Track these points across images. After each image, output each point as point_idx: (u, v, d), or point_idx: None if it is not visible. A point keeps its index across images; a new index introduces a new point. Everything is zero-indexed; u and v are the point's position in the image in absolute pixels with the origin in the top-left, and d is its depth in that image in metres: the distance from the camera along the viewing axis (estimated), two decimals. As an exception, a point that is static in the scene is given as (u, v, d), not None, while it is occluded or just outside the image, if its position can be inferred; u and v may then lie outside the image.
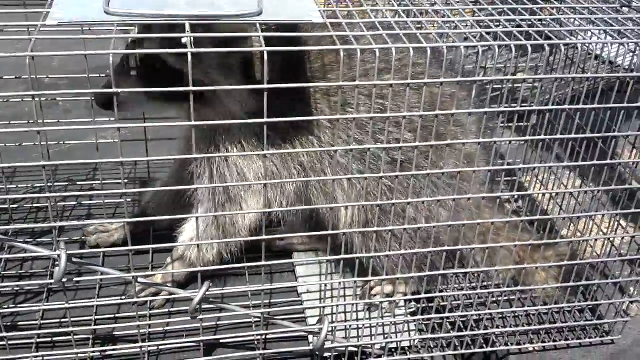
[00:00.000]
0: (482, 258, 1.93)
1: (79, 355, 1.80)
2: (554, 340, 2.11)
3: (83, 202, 2.56)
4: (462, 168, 1.70)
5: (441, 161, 1.86)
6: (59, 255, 1.52)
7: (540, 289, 2.08)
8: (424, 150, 1.76)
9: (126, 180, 1.50)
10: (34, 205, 2.53)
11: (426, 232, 1.84)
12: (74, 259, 1.59)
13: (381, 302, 2.10)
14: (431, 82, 1.48)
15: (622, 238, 2.03)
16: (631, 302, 2.12)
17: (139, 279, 1.67)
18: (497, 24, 1.64)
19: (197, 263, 2.01)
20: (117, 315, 2.07)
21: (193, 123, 1.41)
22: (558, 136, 1.79)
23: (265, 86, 1.37)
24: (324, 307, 1.90)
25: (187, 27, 1.37)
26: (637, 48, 1.71)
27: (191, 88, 1.35)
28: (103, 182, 2.37)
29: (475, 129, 1.90)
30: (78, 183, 2.62)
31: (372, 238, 1.82)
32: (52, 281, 1.53)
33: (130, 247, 1.57)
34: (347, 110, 1.89)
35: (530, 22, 1.66)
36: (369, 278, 1.86)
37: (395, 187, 1.73)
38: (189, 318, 1.79)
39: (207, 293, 1.67)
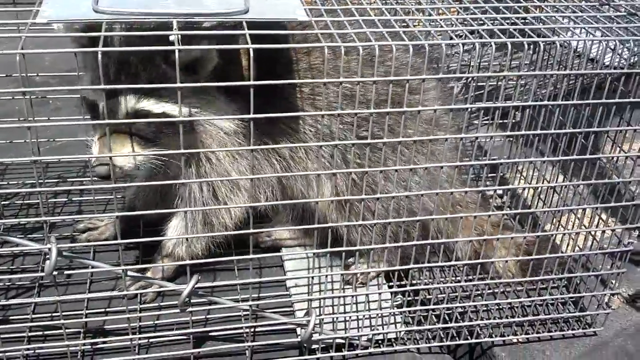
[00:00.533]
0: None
1: (71, 347, 1.83)
2: (537, 332, 2.15)
3: (73, 199, 2.59)
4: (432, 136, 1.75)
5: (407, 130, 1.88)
6: (49, 249, 1.54)
7: (500, 261, 2.13)
8: (390, 124, 1.78)
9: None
10: (25, 202, 2.56)
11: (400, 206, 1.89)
12: (64, 253, 1.62)
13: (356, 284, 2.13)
14: (413, 79, 1.52)
15: (603, 232, 2.07)
16: (612, 295, 2.16)
17: (129, 272, 1.69)
18: (481, 22, 1.68)
19: (185, 258, 2.05)
20: (107, 309, 2.09)
21: (181, 118, 1.44)
22: (538, 131, 1.83)
23: (251, 83, 1.40)
24: (311, 300, 1.93)
25: (175, 26, 1.40)
26: (617, 46, 1.75)
27: (178, 85, 1.38)
28: (93, 178, 2.41)
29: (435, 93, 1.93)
30: (68, 180, 2.65)
31: (349, 213, 1.87)
32: (43, 274, 1.56)
33: (119, 241, 1.60)
34: (316, 99, 1.94)
35: (512, 21, 1.70)
36: (355, 271, 1.90)
37: (365, 163, 1.75)
38: (178, 311, 1.82)
39: (196, 286, 1.70)
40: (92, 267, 1.71)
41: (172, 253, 2.16)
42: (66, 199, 2.57)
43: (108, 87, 1.45)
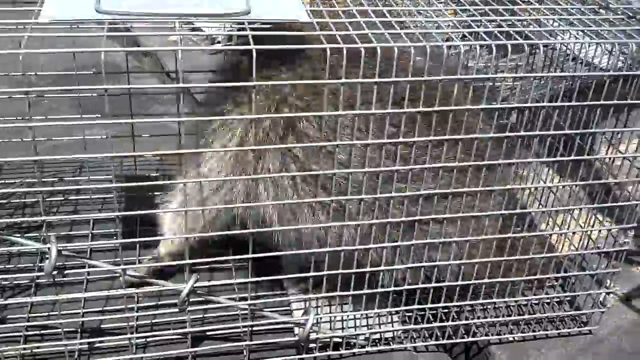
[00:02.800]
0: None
1: (68, 347, 1.83)
2: (533, 331, 2.16)
3: (70, 199, 2.58)
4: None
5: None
6: (49, 248, 1.54)
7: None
8: None
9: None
10: (21, 200, 2.55)
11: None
12: (63, 252, 1.62)
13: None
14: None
15: (599, 232, 2.08)
16: (607, 294, 2.18)
17: (128, 271, 1.70)
18: (479, 24, 1.69)
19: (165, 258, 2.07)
20: (104, 309, 2.09)
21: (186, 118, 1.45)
22: (533, 133, 1.84)
23: (254, 83, 1.41)
24: (309, 299, 1.94)
25: (177, 26, 1.40)
26: (614, 48, 1.77)
27: (181, 85, 1.38)
28: (90, 178, 2.41)
29: None
30: (65, 179, 2.64)
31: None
32: (42, 273, 1.56)
33: (119, 241, 1.60)
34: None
35: (510, 23, 1.71)
36: (355, 270, 1.89)
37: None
38: (175, 311, 1.82)
39: (195, 285, 1.70)
40: (91, 267, 1.70)
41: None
42: (62, 198, 2.57)
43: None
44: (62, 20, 1.42)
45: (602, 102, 1.77)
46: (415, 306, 2.04)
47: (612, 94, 1.80)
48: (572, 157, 1.87)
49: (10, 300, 2.10)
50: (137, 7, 1.42)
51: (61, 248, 1.62)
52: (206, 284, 1.81)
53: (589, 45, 1.73)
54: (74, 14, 1.43)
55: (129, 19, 1.42)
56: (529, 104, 1.79)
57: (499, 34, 1.62)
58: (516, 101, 2.38)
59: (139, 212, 1.91)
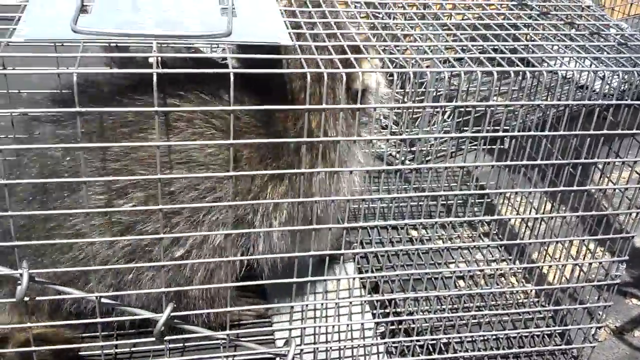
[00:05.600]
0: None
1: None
2: (523, 364, 2.11)
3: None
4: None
5: None
6: (21, 275, 1.49)
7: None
8: None
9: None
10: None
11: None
12: (37, 279, 1.57)
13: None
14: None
15: (590, 264, 2.03)
16: (598, 328, 2.12)
17: (103, 299, 1.64)
18: (479, 48, 1.66)
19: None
20: (83, 335, 2.03)
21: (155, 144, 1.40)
22: (524, 162, 1.80)
23: (231, 108, 1.36)
24: (291, 329, 1.88)
25: (154, 47, 1.37)
26: (605, 76, 1.73)
27: (156, 108, 1.34)
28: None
29: None
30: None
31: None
32: (13, 300, 1.50)
33: (94, 267, 1.55)
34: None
35: (506, 48, 1.67)
36: (337, 299, 1.84)
37: None
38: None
39: (172, 314, 1.65)
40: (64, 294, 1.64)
41: None
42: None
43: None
44: (37, 39, 1.39)
45: (591, 131, 1.73)
46: (402, 338, 1.98)
47: (604, 120, 1.76)
48: (562, 188, 1.82)
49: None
50: (114, 27, 1.38)
51: (35, 272, 1.57)
52: (184, 313, 1.75)
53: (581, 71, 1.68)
54: (50, 33, 1.39)
55: (106, 39, 1.38)
56: (517, 133, 1.74)
57: (500, 60, 1.59)
58: (509, 125, 2.35)
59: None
